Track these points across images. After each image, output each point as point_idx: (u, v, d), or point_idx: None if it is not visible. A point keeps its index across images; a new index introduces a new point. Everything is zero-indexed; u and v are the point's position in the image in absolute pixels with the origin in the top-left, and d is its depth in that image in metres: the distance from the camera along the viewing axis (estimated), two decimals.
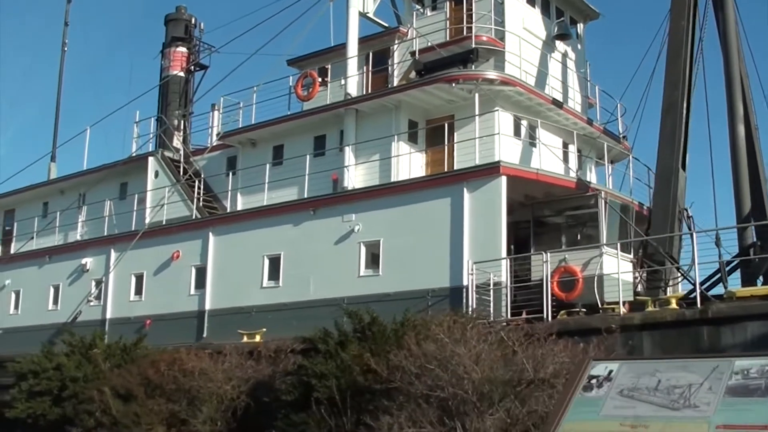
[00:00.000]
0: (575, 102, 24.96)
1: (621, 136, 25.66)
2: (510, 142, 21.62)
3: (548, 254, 17.83)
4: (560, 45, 25.11)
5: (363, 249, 20.92)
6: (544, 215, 21.67)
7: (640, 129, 29.71)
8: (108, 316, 26.54)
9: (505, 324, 14.21)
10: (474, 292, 18.04)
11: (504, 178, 19.03)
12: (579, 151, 23.94)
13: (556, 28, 24.76)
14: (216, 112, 30.45)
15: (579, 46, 26.21)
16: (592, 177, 24.05)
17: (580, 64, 26.02)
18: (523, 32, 23.34)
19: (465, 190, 19.42)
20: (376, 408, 12.77)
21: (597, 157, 24.60)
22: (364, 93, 24.08)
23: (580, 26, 26.50)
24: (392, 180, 21.84)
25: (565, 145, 23.89)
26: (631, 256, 20.64)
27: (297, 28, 26.19)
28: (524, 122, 22.42)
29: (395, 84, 23.91)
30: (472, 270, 18.21)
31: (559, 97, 23.75)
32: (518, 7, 23.63)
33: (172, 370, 17.40)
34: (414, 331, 14.47)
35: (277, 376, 16.01)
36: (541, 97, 22.58)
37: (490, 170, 19.23)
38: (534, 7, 24.40)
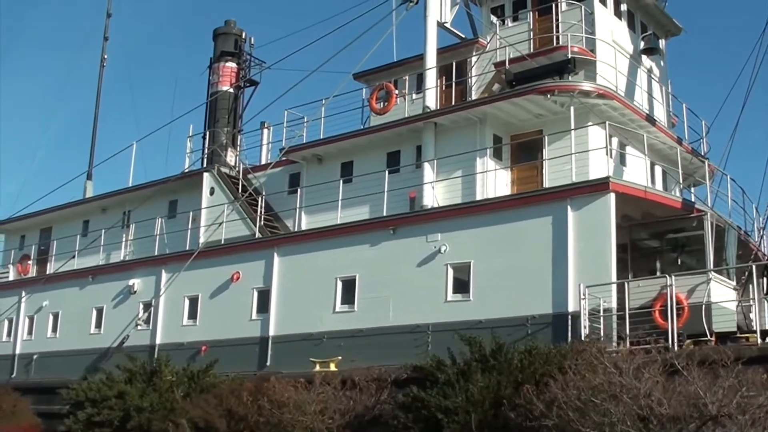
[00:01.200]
0: (660, 120, 23.60)
1: (705, 156, 24.29)
2: (601, 159, 20.19)
3: (672, 278, 16.27)
4: (645, 60, 23.83)
5: (450, 271, 19.36)
6: (641, 238, 20.16)
7: (718, 147, 28.13)
8: (158, 341, 24.83)
9: (674, 352, 12.62)
10: (587, 319, 16.47)
11: (613, 195, 17.55)
12: (664, 170, 22.58)
13: (643, 42, 23.52)
14: (266, 130, 29.28)
15: (662, 62, 24.93)
16: None
17: (662, 81, 24.72)
18: (613, 44, 22.06)
19: (569, 208, 17.92)
20: None
21: (684, 177, 23.20)
22: (439, 107, 22.70)
23: (662, 42, 25.24)
24: (477, 198, 20.37)
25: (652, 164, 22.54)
26: (734, 282, 19.20)
27: (358, 44, 24.59)
28: (615, 138, 21.07)
29: (474, 97, 22.54)
30: (584, 294, 16.63)
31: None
32: (607, 19, 22.39)
33: (258, 400, 15.77)
34: (543, 359, 12.95)
35: (385, 409, 14.38)
36: (635, 112, 21.22)
37: (598, 186, 17.72)
38: (621, 20, 23.17)
